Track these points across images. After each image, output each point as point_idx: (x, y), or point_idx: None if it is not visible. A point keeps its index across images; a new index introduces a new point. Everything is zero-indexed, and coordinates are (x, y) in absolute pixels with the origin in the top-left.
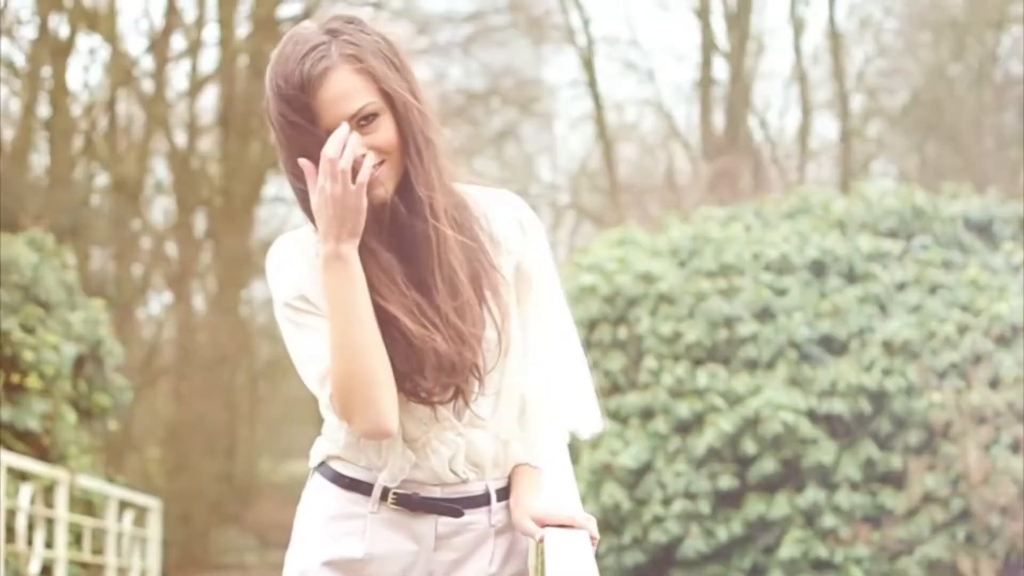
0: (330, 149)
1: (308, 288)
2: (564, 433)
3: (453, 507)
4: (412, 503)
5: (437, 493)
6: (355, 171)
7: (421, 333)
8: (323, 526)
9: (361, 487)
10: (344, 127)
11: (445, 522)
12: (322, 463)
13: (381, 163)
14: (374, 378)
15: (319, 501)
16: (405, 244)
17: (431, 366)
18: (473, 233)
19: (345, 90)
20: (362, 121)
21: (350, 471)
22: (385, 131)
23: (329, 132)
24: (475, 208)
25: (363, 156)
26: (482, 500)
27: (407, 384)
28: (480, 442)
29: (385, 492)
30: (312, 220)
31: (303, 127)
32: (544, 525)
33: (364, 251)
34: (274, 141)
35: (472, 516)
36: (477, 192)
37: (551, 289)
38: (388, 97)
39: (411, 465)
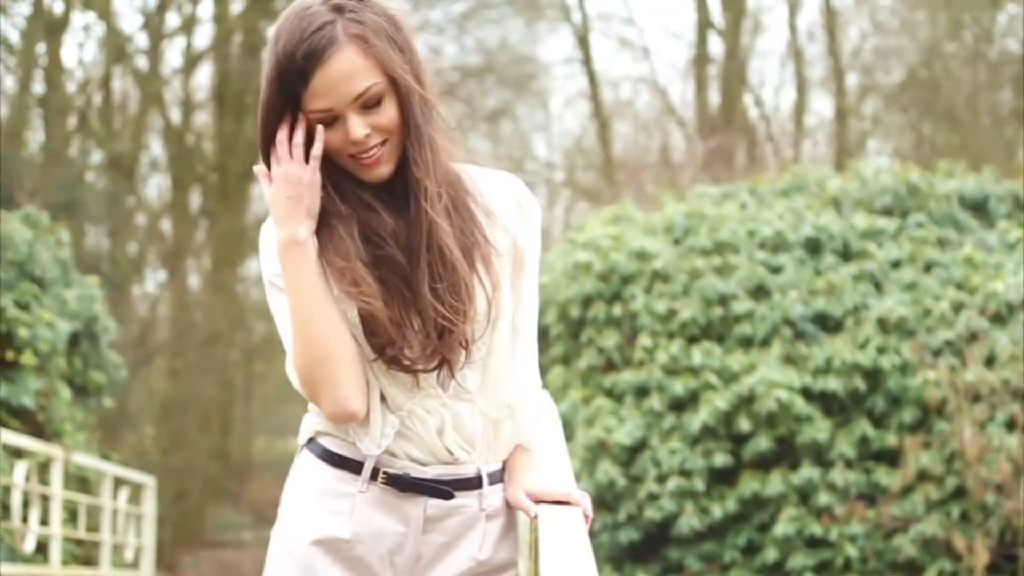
0: (281, 134)
1: None
2: (554, 410)
3: (443, 489)
4: (402, 483)
5: (428, 473)
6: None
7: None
8: (310, 504)
9: (350, 465)
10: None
11: (435, 504)
12: (311, 439)
13: (384, 143)
14: (335, 357)
15: (307, 479)
16: (400, 221)
17: (414, 335)
18: (467, 208)
19: (350, 71)
20: (366, 102)
21: (339, 448)
22: (388, 111)
23: (327, 113)
24: (471, 185)
25: (366, 136)
26: (473, 483)
27: (388, 352)
28: (467, 415)
29: (375, 472)
30: None
31: (294, 106)
32: (539, 501)
33: (340, 225)
34: (258, 122)
35: (462, 499)
36: (475, 171)
37: (536, 273)
38: (392, 78)
39: (394, 430)
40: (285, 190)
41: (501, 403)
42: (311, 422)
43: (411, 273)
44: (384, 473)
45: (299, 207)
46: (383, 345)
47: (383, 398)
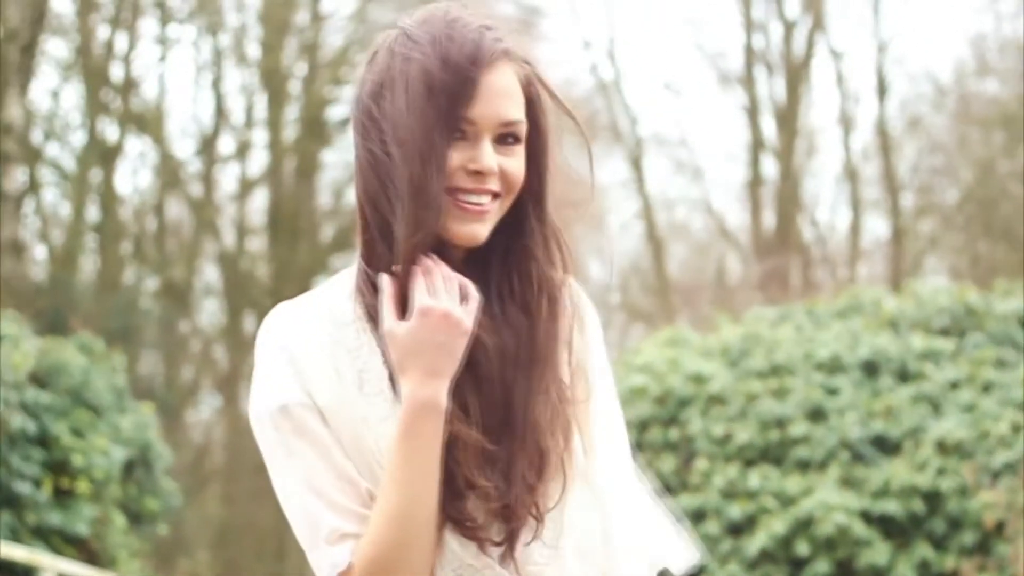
0: (432, 263)
1: (324, 390)
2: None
3: None
4: None
5: None
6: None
7: (475, 462)
8: None
9: None
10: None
11: None
12: None
13: (495, 197)
14: (424, 562)
15: None
16: (493, 330)
17: (482, 498)
18: None
19: (510, 88)
20: (507, 136)
21: None
22: (517, 162)
23: (473, 124)
24: None
25: (491, 172)
26: None
27: (450, 509)
28: None
29: None
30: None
31: (447, 106)
32: None
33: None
34: (360, 131)
35: None
36: None
37: (612, 397)
38: (532, 126)
39: None
40: (440, 333)
41: (585, 567)
42: None
43: (511, 391)
44: None
45: (451, 361)
46: (461, 491)
47: None
